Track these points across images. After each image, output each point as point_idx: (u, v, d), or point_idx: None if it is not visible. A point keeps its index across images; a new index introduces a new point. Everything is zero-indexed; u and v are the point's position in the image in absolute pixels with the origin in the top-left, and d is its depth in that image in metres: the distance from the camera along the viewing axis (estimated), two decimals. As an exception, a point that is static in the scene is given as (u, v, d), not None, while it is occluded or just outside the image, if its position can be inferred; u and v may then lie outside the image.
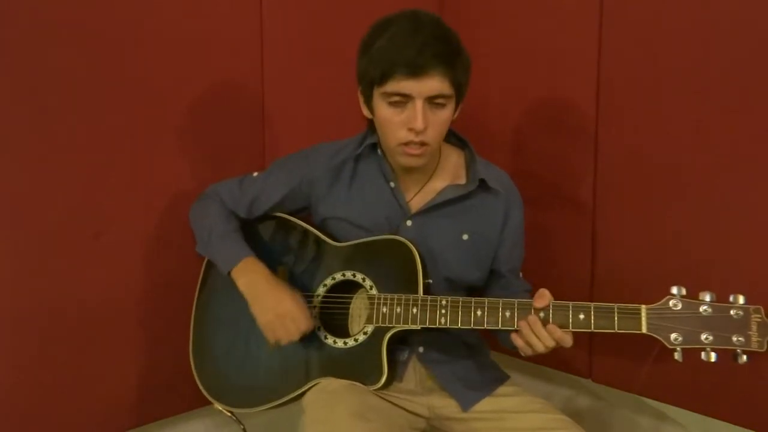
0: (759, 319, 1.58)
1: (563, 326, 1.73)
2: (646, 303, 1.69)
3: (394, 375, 1.97)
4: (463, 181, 2.06)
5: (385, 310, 1.90)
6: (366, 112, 1.99)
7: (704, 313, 1.62)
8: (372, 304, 1.94)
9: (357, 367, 1.94)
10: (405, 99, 1.84)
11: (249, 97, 2.49)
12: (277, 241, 2.17)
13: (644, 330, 1.66)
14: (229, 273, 2.05)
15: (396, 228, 2.03)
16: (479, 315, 1.81)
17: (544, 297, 1.77)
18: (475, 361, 2.10)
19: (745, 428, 2.14)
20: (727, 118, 2.07)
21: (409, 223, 2.02)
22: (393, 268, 1.96)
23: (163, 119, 2.31)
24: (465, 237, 2.04)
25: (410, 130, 1.85)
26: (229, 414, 2.16)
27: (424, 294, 1.89)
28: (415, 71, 1.79)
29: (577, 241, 2.45)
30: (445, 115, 1.89)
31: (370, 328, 1.93)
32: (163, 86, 2.29)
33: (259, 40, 2.47)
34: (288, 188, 2.12)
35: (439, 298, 1.86)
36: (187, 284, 2.26)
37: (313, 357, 2.00)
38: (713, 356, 1.62)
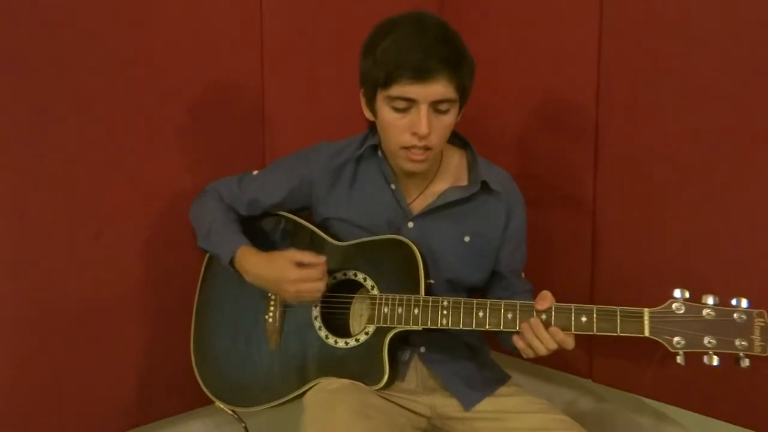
0: (762, 324, 1.58)
1: (565, 329, 1.73)
2: (646, 303, 1.69)
3: (396, 375, 1.96)
4: (464, 182, 2.06)
5: (386, 310, 1.90)
6: (368, 114, 1.98)
7: (707, 317, 1.62)
8: (373, 304, 1.93)
9: (358, 367, 1.93)
10: (409, 103, 1.83)
11: (249, 97, 2.48)
12: (277, 240, 2.16)
13: (647, 333, 1.66)
14: (232, 266, 2.06)
15: (397, 230, 2.02)
16: (481, 316, 1.81)
17: (546, 299, 1.76)
18: (477, 361, 2.10)
19: (745, 428, 2.14)
20: (727, 117, 2.07)
21: (410, 225, 2.02)
22: (394, 268, 1.95)
23: (163, 119, 2.31)
24: (466, 239, 2.04)
25: (414, 134, 1.84)
26: (231, 413, 2.17)
27: (425, 294, 1.89)
28: (421, 76, 1.78)
29: (578, 241, 2.45)
30: (448, 120, 1.88)
31: (371, 328, 1.93)
32: (163, 86, 2.29)
33: (259, 40, 2.46)
34: (288, 188, 2.12)
35: (440, 299, 1.85)
36: (187, 284, 2.27)
37: (314, 357, 2.00)
38: (715, 360, 1.61)
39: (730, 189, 2.08)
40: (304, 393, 1.98)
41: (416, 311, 1.87)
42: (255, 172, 2.20)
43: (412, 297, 1.88)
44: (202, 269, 2.26)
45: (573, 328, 1.72)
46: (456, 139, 2.09)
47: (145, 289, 2.33)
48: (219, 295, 2.20)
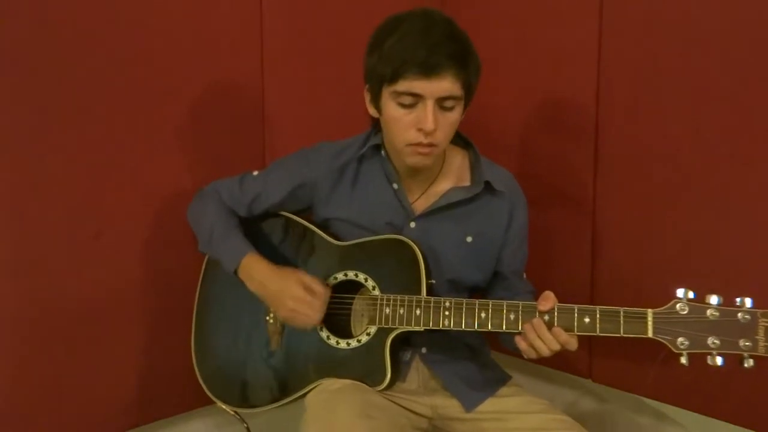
0: (767, 324, 1.57)
1: (568, 329, 1.72)
2: (646, 304, 1.69)
3: (398, 376, 1.96)
4: (467, 182, 2.06)
5: (388, 311, 1.90)
6: (372, 111, 1.98)
7: (711, 317, 1.61)
8: (374, 304, 1.93)
9: (360, 367, 1.93)
10: (415, 99, 1.82)
11: (249, 97, 2.48)
12: (278, 240, 2.16)
13: (650, 334, 1.65)
14: (235, 273, 2.05)
15: (399, 230, 2.02)
16: (483, 317, 1.81)
17: (548, 300, 1.76)
18: (477, 361, 2.10)
19: (745, 428, 2.14)
20: (727, 117, 2.07)
21: (412, 225, 2.02)
22: (396, 269, 1.95)
23: (163, 119, 2.31)
24: (469, 239, 2.04)
25: (419, 130, 1.84)
26: (233, 413, 2.16)
27: (427, 295, 1.89)
28: (428, 71, 1.78)
29: (578, 241, 2.45)
30: (453, 117, 1.88)
31: (373, 329, 1.93)
32: (163, 86, 2.29)
33: (259, 40, 2.46)
34: (289, 188, 2.11)
35: (442, 300, 1.85)
36: (187, 283, 2.26)
37: (315, 358, 2.00)
38: (719, 360, 1.61)
39: (730, 189, 2.08)
40: (305, 394, 1.98)
41: (418, 312, 1.86)
42: (255, 173, 2.18)
43: (414, 298, 1.88)
44: (203, 269, 2.25)
45: (576, 329, 1.72)
46: (458, 139, 2.09)
47: (145, 289, 2.33)
48: (220, 295, 2.19)
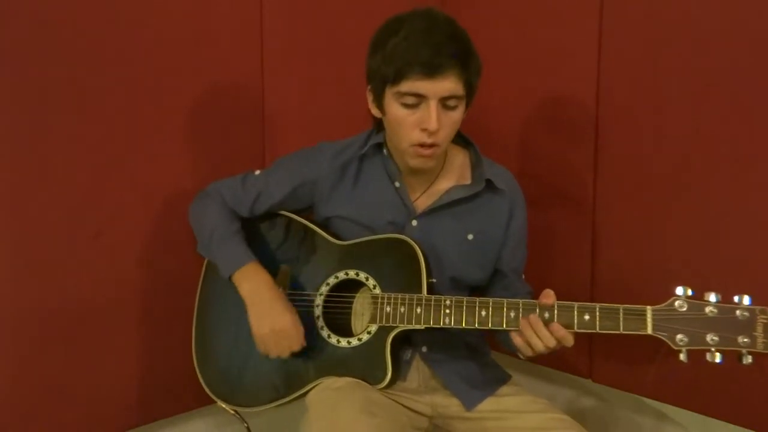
0: (765, 320, 1.57)
1: (568, 326, 1.72)
2: (646, 303, 1.69)
3: (398, 374, 1.96)
4: (468, 181, 2.06)
5: (388, 309, 1.90)
6: (375, 111, 1.98)
7: (710, 314, 1.61)
8: (375, 303, 1.93)
9: (361, 366, 1.93)
10: (419, 99, 1.83)
11: (249, 97, 2.49)
12: (280, 240, 2.16)
13: (650, 331, 1.65)
14: (230, 277, 2.05)
15: (401, 228, 2.02)
16: (484, 315, 1.81)
17: (550, 296, 1.76)
18: (478, 360, 2.10)
19: (745, 428, 2.14)
20: (727, 117, 2.07)
21: (414, 223, 2.02)
22: (396, 267, 1.95)
23: (163, 119, 2.31)
24: (470, 237, 2.04)
25: (423, 130, 1.85)
26: (233, 413, 2.16)
27: (428, 293, 1.89)
28: (431, 71, 1.78)
29: (578, 241, 2.46)
30: (456, 116, 1.89)
31: (373, 328, 1.93)
32: (163, 86, 2.29)
33: (259, 40, 2.47)
34: (290, 188, 2.11)
35: (443, 298, 1.85)
36: (187, 284, 2.26)
37: (316, 356, 2.00)
38: (718, 357, 1.61)
39: (729, 189, 2.09)
40: (306, 392, 1.98)
41: (419, 310, 1.87)
42: (257, 172, 2.18)
43: (415, 296, 1.88)
44: (203, 269, 2.24)
45: (576, 326, 1.72)
46: (459, 138, 2.09)
47: (145, 288, 2.33)
48: (221, 295, 2.18)
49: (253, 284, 2.02)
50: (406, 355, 2.03)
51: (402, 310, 1.88)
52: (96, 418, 2.27)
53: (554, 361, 2.58)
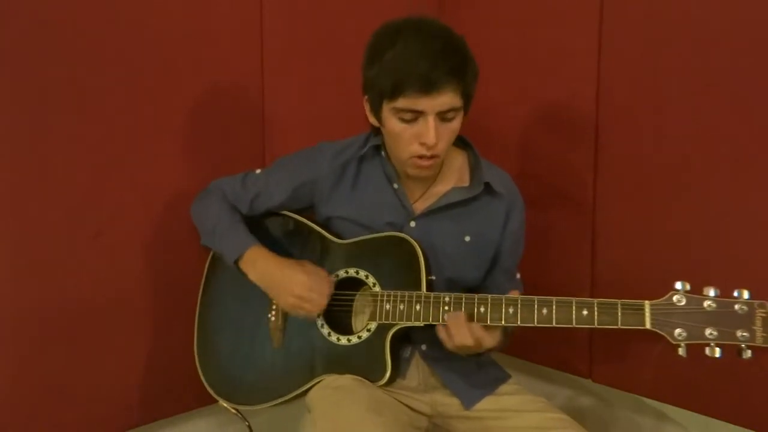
0: (764, 314, 1.57)
1: (567, 322, 1.73)
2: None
3: (398, 372, 1.96)
4: (466, 183, 2.06)
5: (388, 307, 1.90)
6: (373, 120, 1.98)
7: (708, 309, 1.61)
8: (375, 301, 1.93)
9: (361, 364, 1.94)
10: (416, 114, 1.83)
11: (249, 97, 2.49)
12: (280, 239, 2.16)
13: (648, 326, 1.65)
14: (236, 264, 2.06)
15: (400, 229, 2.02)
16: (482, 311, 1.81)
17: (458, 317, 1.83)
18: (477, 360, 2.09)
19: (745, 428, 2.14)
20: (727, 117, 2.08)
21: (413, 224, 2.02)
22: (396, 266, 1.96)
23: (163, 119, 2.31)
24: (467, 238, 2.04)
25: (422, 144, 1.85)
26: (234, 411, 2.16)
27: (427, 291, 1.89)
28: (428, 88, 1.77)
29: (577, 241, 2.46)
30: (454, 126, 1.89)
31: (373, 325, 1.93)
32: (163, 86, 2.29)
33: (259, 40, 2.47)
34: (290, 188, 2.11)
35: (442, 295, 1.86)
36: (188, 283, 2.26)
37: (317, 354, 2.00)
38: (717, 351, 1.61)
39: (729, 188, 2.09)
40: (306, 390, 1.98)
41: (418, 307, 1.87)
42: (258, 171, 2.19)
43: (414, 293, 1.89)
44: (206, 269, 2.25)
45: (575, 321, 1.72)
46: (458, 140, 2.08)
47: (146, 289, 2.33)
48: (222, 294, 2.20)
49: (260, 266, 2.03)
50: (405, 353, 2.03)
51: (401, 307, 1.89)
52: (96, 418, 2.26)
53: (554, 360, 2.58)
